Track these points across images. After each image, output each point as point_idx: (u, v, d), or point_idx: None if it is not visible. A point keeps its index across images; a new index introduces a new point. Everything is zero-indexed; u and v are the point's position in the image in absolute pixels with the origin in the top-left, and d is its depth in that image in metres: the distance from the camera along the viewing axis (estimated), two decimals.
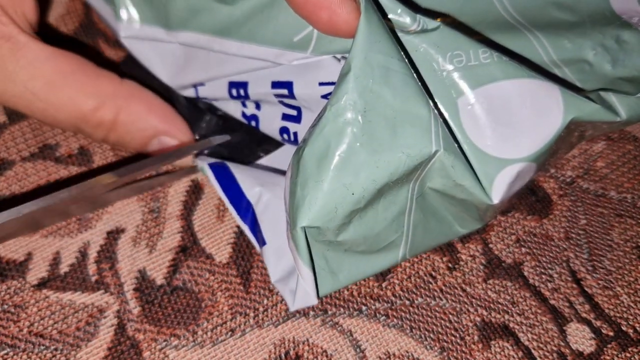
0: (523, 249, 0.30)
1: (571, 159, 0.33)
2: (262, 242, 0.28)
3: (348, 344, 0.27)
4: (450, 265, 0.29)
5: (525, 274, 0.29)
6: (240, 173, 0.29)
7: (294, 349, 0.27)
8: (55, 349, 0.26)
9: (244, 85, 0.28)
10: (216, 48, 0.27)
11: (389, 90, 0.22)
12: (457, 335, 0.28)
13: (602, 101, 0.26)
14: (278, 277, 0.27)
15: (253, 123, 0.30)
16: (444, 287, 0.29)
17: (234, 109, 0.30)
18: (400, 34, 0.24)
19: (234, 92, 0.29)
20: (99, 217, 0.30)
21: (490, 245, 0.30)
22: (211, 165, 0.30)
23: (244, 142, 0.31)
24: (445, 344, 0.27)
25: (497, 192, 0.24)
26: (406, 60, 0.23)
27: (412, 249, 0.27)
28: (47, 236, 0.29)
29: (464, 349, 0.27)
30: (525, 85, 0.24)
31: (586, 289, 0.29)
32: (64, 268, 0.28)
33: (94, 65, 0.28)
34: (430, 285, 0.29)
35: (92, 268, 0.28)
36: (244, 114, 0.30)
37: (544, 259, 0.30)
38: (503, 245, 0.30)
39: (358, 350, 0.27)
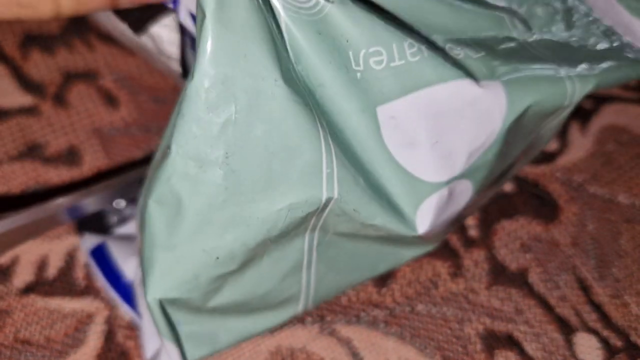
0: (528, 255, 0.30)
1: (578, 163, 0.32)
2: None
3: (346, 352, 0.27)
4: (452, 271, 0.29)
5: (530, 281, 0.29)
6: (120, 250, 0.25)
7: (290, 357, 0.27)
8: (43, 356, 0.26)
9: None
10: None
11: (261, 125, 0.16)
12: (460, 344, 0.27)
13: (554, 82, 0.21)
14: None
15: None
16: (445, 294, 0.28)
17: None
18: (291, 13, 0.17)
19: None
20: None
21: (494, 251, 0.30)
22: (93, 254, 0.26)
23: None
24: (447, 352, 0.27)
25: (424, 221, 0.20)
26: (293, 69, 0.17)
27: (317, 298, 0.23)
28: (35, 239, 0.28)
29: (466, 358, 0.27)
30: (462, 89, 0.19)
31: (593, 297, 0.29)
32: (51, 272, 0.28)
33: None
34: (432, 292, 0.28)
35: (81, 272, 0.28)
36: None
37: (550, 265, 0.29)
38: (507, 250, 0.30)
39: (357, 358, 0.27)
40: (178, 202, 0.17)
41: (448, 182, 0.20)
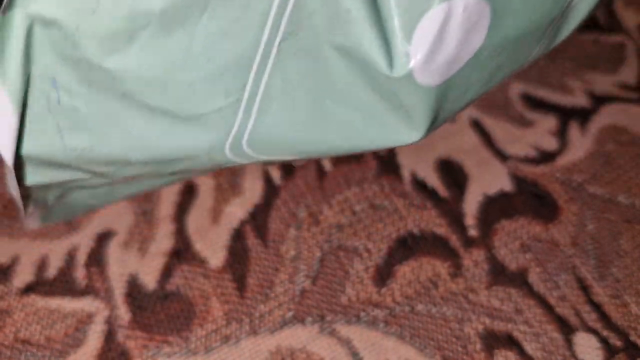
0: (528, 255, 0.29)
1: (578, 163, 0.32)
2: None
3: (346, 352, 0.27)
4: (452, 271, 0.29)
5: (530, 281, 0.29)
6: None
7: (290, 357, 0.27)
8: (43, 356, 0.26)
9: None
10: None
11: None
12: (459, 344, 0.27)
13: None
14: None
15: None
16: (445, 294, 0.28)
17: None
18: None
19: None
20: (88, 219, 0.29)
21: (494, 251, 0.30)
22: None
23: None
24: (446, 352, 0.27)
25: (422, 41, 0.14)
26: None
27: (253, 139, 0.16)
28: (35, 239, 0.29)
29: (466, 358, 0.27)
30: None
31: (593, 297, 0.29)
32: (51, 272, 0.28)
33: None
34: (432, 292, 0.28)
35: (81, 272, 0.28)
36: None
37: (549, 265, 0.29)
38: (507, 250, 0.30)
39: (356, 358, 0.27)
40: None
41: None
